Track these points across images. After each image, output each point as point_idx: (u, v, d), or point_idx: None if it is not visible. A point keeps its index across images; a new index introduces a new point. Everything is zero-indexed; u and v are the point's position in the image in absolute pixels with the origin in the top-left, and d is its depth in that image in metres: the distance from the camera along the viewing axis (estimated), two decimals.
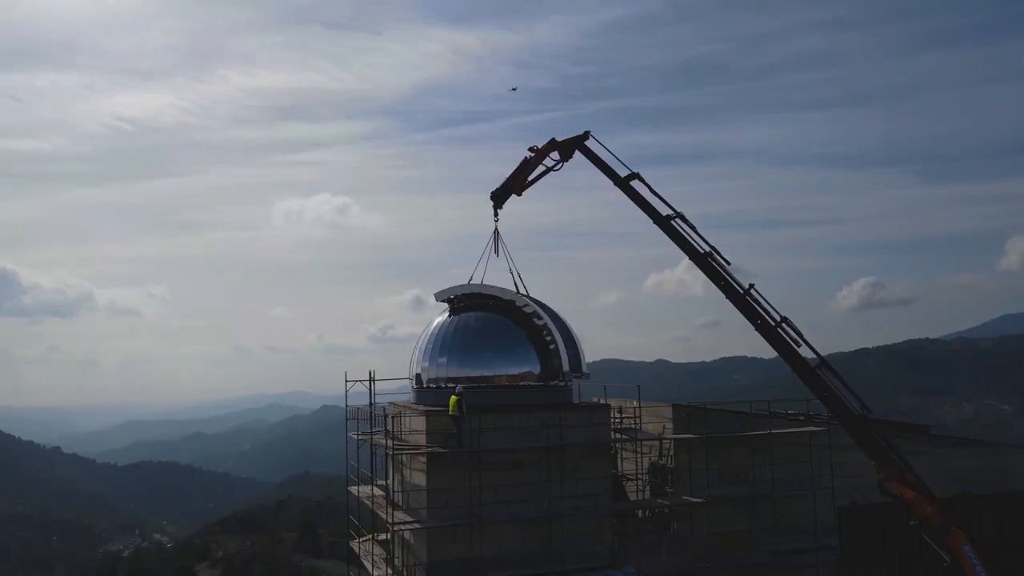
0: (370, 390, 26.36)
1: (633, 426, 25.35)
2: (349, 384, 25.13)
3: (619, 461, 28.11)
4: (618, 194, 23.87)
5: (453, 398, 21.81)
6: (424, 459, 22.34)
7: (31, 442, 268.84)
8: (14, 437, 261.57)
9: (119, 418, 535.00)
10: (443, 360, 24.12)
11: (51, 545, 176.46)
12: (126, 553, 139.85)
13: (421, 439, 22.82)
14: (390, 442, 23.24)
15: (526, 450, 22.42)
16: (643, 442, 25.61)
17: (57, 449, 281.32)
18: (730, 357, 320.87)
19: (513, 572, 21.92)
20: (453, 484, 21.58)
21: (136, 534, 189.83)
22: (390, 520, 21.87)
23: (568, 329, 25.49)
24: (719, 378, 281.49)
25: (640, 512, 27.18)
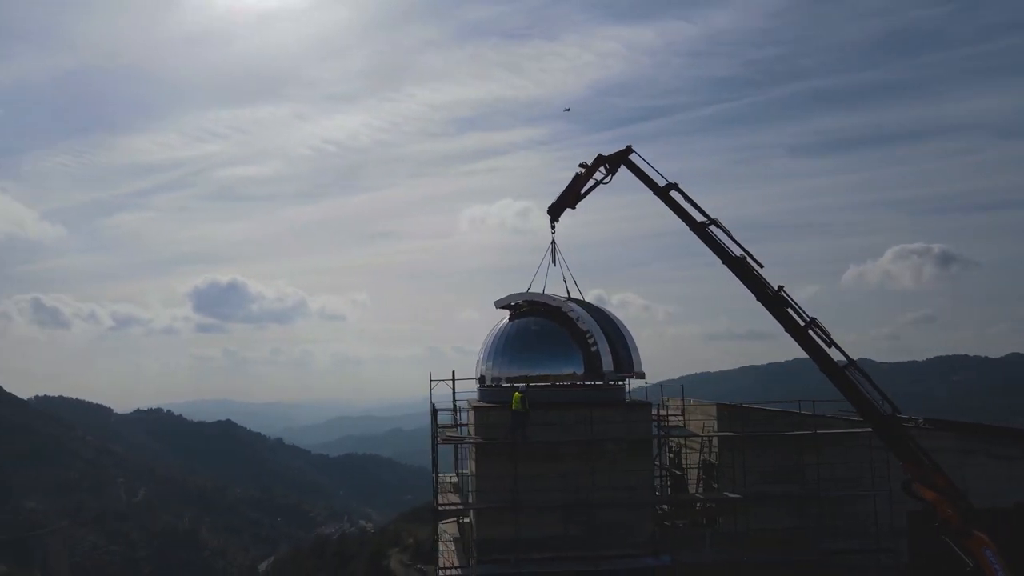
0: (452, 389, 30.02)
1: (680, 424, 26.51)
2: (433, 383, 28.99)
3: (682, 458, 29.23)
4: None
5: (516, 395, 24.54)
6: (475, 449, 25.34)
7: (259, 434, 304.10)
8: (246, 429, 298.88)
9: (331, 413, 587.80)
10: (498, 361, 26.91)
11: (276, 525, 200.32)
12: (335, 536, 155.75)
13: (478, 432, 25.81)
14: (450, 434, 26.48)
15: (566, 443, 24.58)
16: (693, 440, 26.65)
17: (280, 440, 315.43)
18: (947, 356, 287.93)
19: (554, 553, 24.19)
20: (500, 473, 24.30)
21: (344, 519, 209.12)
22: (438, 503, 25.10)
23: (620, 332, 27.23)
24: (933, 380, 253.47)
25: (696, 505, 28.14)
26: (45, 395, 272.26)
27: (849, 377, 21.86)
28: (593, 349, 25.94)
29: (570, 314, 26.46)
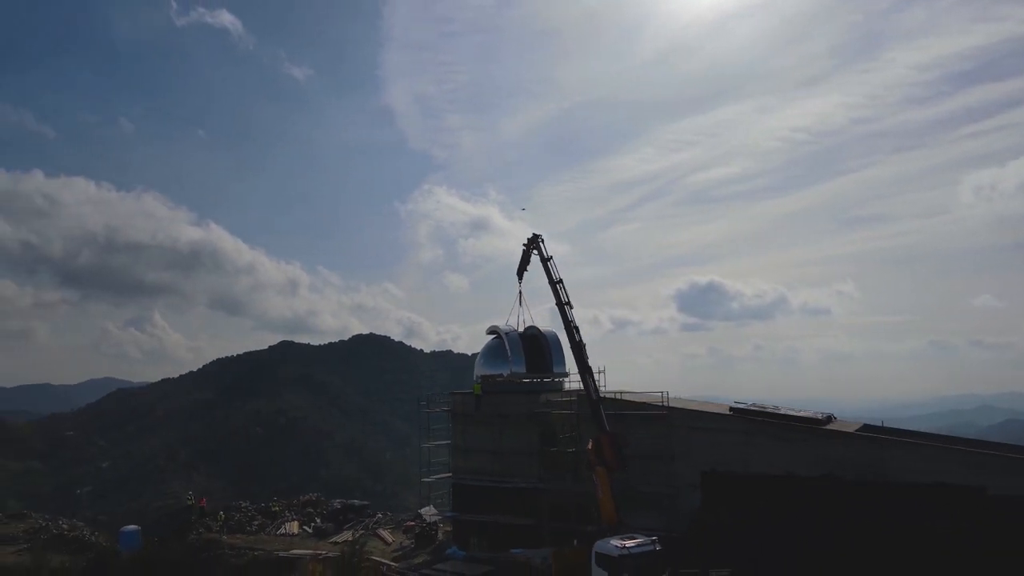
0: None
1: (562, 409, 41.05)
2: None
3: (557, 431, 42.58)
4: None
5: (476, 385, 43.46)
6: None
7: None
8: None
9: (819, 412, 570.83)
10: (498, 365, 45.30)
11: None
12: None
13: None
14: None
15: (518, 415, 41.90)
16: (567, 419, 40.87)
17: None
18: None
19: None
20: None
21: None
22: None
23: (545, 346, 43.16)
24: None
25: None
26: None
27: (592, 384, 35.09)
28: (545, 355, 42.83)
29: (505, 338, 43.48)
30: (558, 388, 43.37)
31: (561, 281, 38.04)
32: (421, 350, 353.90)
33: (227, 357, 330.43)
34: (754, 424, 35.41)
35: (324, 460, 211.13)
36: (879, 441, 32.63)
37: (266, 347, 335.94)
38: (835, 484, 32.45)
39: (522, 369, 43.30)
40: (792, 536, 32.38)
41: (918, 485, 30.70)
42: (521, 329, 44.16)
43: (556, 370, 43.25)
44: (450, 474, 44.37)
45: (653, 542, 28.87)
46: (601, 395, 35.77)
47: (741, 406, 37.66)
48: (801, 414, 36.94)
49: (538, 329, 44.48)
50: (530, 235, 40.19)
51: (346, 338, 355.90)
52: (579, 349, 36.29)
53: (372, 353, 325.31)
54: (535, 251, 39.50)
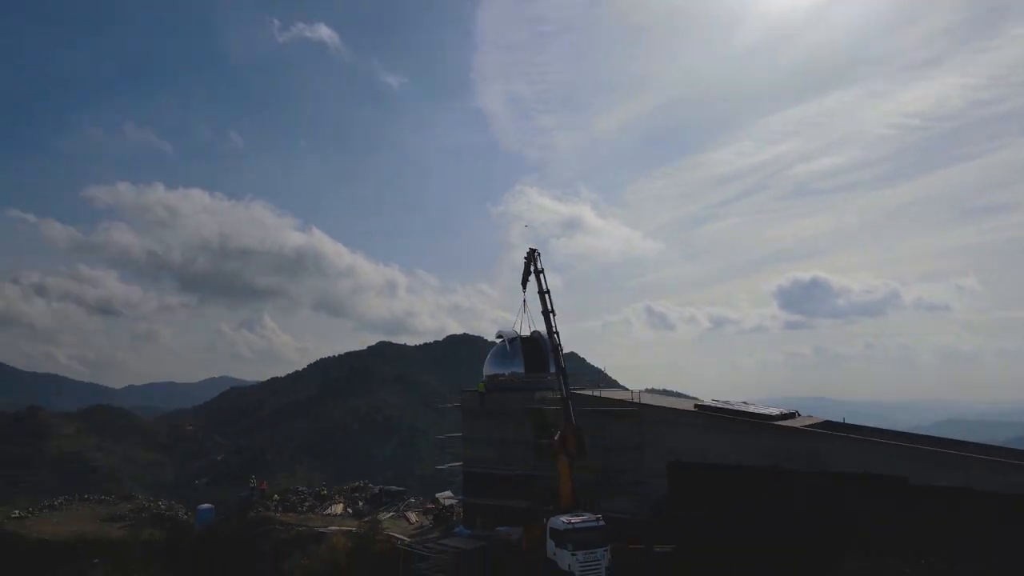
0: None
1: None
2: None
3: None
4: None
5: (481, 384, 48.66)
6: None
7: None
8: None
9: (939, 415, 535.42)
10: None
11: None
12: None
13: None
14: None
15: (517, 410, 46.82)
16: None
17: None
18: None
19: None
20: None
21: None
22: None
23: (543, 349, 47.57)
24: None
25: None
26: (651, 388, 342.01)
27: (564, 383, 39.45)
28: (543, 358, 47.48)
29: (507, 342, 48.23)
30: (553, 386, 47.65)
31: (548, 292, 42.49)
32: None
33: (328, 357, 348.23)
34: (711, 420, 38.67)
35: (419, 456, 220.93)
36: (817, 435, 35.31)
37: (364, 347, 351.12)
38: (779, 473, 35.38)
39: (521, 369, 48.00)
40: (740, 518, 35.59)
41: (849, 475, 33.29)
42: (527, 333, 48.88)
43: (552, 371, 47.55)
44: (461, 463, 49.65)
45: (597, 519, 33.14)
46: (572, 393, 39.96)
47: (703, 403, 40.92)
48: (761, 411, 39.71)
49: (540, 333, 48.96)
50: (529, 249, 44.98)
51: (441, 338, 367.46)
52: (556, 352, 40.67)
53: (467, 353, 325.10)
54: (532, 264, 44.18)
